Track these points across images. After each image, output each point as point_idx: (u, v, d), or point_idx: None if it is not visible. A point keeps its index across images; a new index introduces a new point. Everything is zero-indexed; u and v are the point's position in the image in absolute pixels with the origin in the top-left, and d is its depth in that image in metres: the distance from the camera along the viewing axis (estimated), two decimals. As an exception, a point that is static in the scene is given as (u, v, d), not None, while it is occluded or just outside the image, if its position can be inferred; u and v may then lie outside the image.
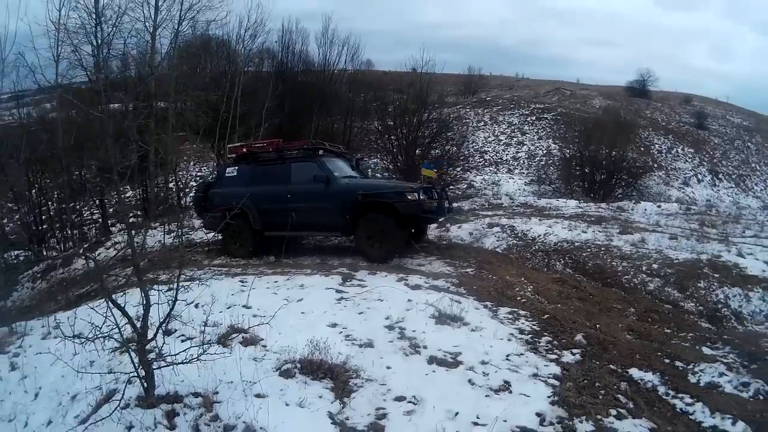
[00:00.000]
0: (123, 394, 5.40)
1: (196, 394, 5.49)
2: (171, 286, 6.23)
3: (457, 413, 5.12)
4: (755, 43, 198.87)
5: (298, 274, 10.17)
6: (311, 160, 13.16)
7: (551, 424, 5.08)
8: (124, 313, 5.42)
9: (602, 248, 13.60)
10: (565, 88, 66.38)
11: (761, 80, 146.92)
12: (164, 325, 5.66)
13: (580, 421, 5.10)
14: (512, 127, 48.41)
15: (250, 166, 14.02)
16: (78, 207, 24.77)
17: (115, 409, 5.28)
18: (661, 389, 6.01)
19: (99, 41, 22.56)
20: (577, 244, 14.09)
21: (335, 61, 33.21)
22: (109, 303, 5.49)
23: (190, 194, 26.15)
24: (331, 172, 12.84)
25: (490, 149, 44.79)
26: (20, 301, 14.50)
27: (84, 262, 17.41)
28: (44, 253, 21.42)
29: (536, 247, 14.28)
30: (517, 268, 11.74)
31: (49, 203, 23.71)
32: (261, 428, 4.90)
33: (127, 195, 27.68)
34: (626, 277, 12.01)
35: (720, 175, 44.69)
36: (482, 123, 49.84)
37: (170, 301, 5.56)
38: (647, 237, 14.75)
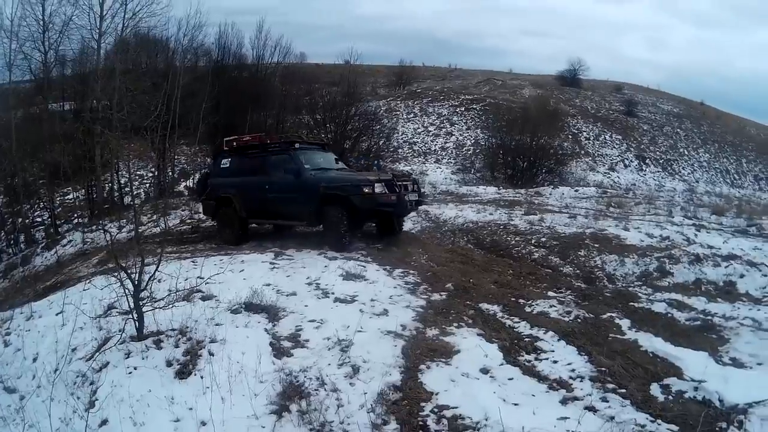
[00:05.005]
0: (123, 331, 7.83)
1: (173, 330, 7.95)
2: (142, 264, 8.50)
3: (348, 326, 7.90)
4: (687, 35, 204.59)
5: (239, 254, 12.53)
6: (286, 153, 14.10)
7: (409, 330, 7.96)
8: (125, 271, 7.89)
9: (501, 227, 15.83)
10: (496, 79, 68.20)
11: (693, 69, 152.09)
12: (152, 279, 8.18)
13: (430, 329, 8.03)
14: (441, 118, 50.57)
15: (239, 158, 15.07)
16: (25, 210, 25.72)
17: (117, 343, 7.70)
18: (499, 315, 8.78)
19: (47, 48, 24.43)
20: (480, 224, 16.29)
21: (269, 59, 34.84)
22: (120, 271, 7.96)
23: (133, 192, 27.94)
24: (302, 164, 13.64)
25: (419, 140, 46.72)
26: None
27: (42, 261, 19.50)
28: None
29: (446, 228, 16.28)
30: (419, 243, 14.00)
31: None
32: (221, 339, 7.52)
33: (69, 197, 29.44)
34: (516, 249, 14.13)
35: (647, 161, 47.25)
36: (412, 115, 51.97)
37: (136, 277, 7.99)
38: (546, 217, 16.78)
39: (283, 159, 14.03)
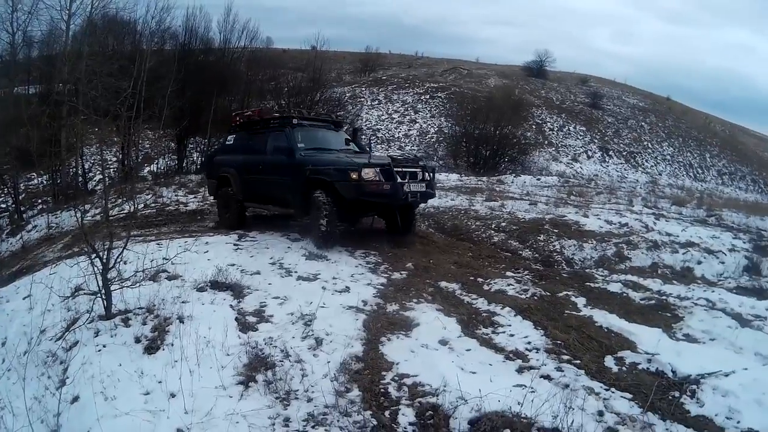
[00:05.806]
0: (91, 310, 7.89)
1: (140, 308, 8.09)
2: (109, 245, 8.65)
3: (311, 302, 8.18)
4: (656, 29, 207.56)
5: (203, 236, 12.82)
6: (283, 130, 12.69)
7: (370, 305, 8.31)
8: (95, 250, 7.96)
9: (462, 212, 16.07)
10: (462, 67, 68.85)
11: (661, 64, 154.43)
12: (120, 258, 8.32)
13: (390, 304, 8.38)
14: (406, 106, 51.15)
15: (243, 134, 14.19)
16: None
17: (85, 322, 7.77)
18: (458, 292, 9.13)
19: (14, 29, 24.27)
20: (441, 209, 16.51)
21: (236, 43, 34.69)
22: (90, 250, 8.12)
23: (104, 173, 28.06)
24: (296, 143, 12.15)
25: (382, 127, 47.25)
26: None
27: (7, 247, 19.48)
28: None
29: (407, 212, 16.58)
30: (380, 226, 14.02)
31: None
32: (188, 316, 7.70)
33: (33, 182, 29.35)
34: (477, 233, 14.28)
35: (610, 152, 48.15)
36: (376, 102, 52.44)
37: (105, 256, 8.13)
38: (507, 203, 17.09)
39: (279, 137, 12.68)
